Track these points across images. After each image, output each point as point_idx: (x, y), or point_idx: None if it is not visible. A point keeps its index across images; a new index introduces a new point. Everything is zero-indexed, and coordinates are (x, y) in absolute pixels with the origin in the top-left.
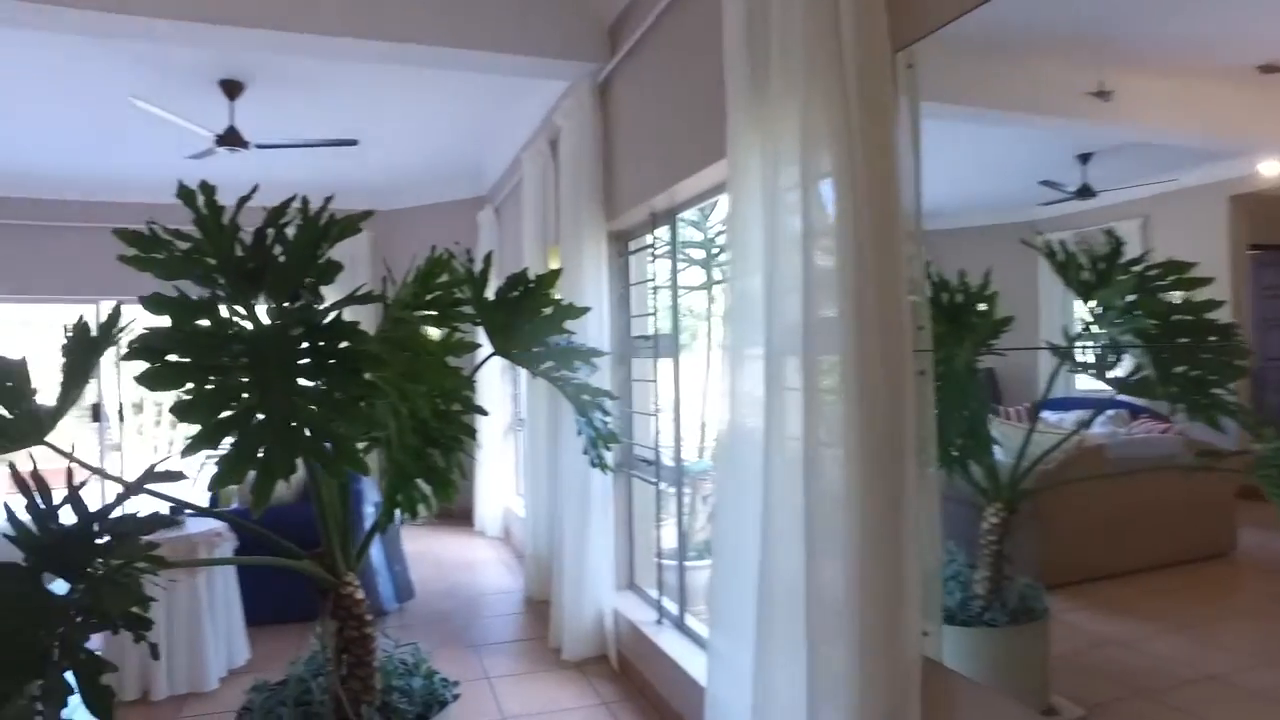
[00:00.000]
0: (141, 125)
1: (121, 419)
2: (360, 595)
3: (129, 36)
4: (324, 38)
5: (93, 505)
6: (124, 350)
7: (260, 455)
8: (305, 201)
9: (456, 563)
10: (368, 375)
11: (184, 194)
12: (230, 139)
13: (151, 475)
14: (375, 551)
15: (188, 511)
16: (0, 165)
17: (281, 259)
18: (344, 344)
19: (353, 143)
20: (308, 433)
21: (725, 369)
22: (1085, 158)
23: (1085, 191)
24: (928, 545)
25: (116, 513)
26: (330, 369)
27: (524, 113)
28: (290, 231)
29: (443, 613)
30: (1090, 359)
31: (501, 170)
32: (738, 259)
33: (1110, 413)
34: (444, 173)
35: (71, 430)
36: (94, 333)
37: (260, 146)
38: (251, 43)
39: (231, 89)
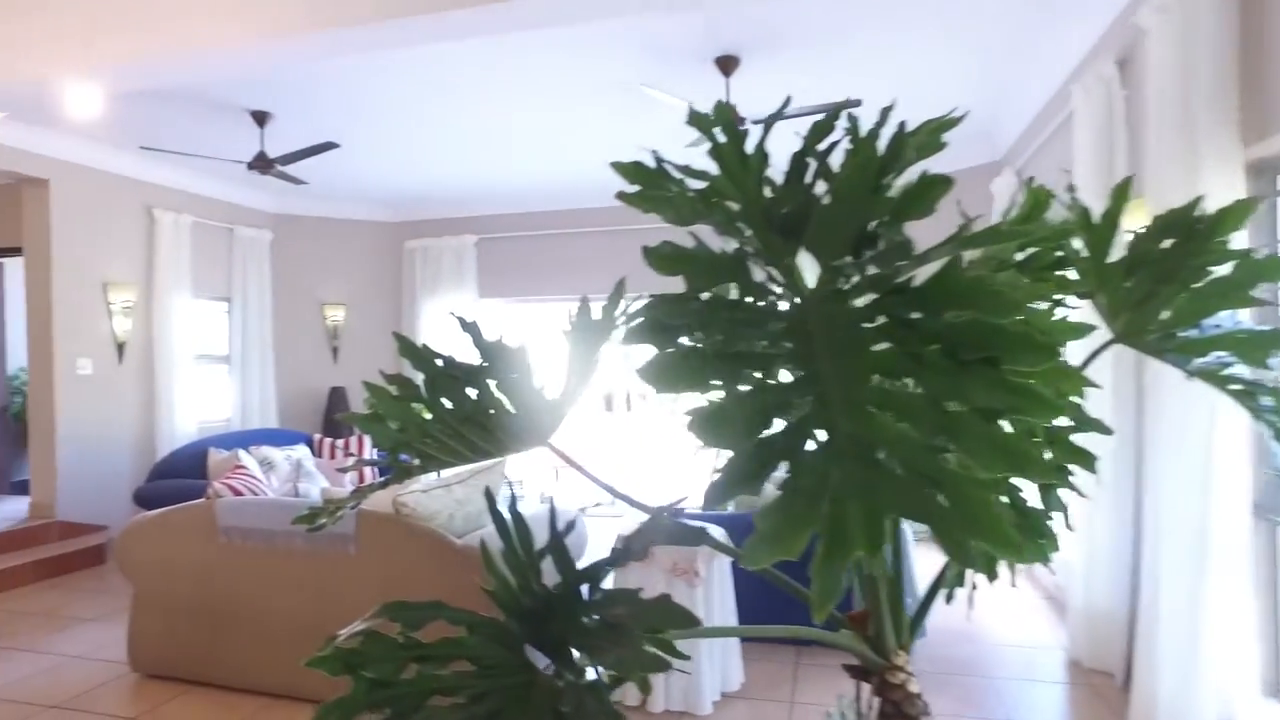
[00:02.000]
0: (639, 118)
1: (629, 408)
2: (916, 688)
3: (634, 12)
4: None
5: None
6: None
7: (825, 507)
8: (853, 119)
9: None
10: (1008, 371)
11: (696, 118)
12: None
13: (659, 530)
14: None
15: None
16: (525, 183)
17: (826, 200)
18: (956, 318)
19: (857, 103)
20: (899, 469)
21: None
22: None
23: None
24: None
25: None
26: (933, 362)
27: (1064, 39)
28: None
29: (961, 663)
30: None
31: (1023, 124)
32: None
33: None
34: (947, 137)
35: (585, 422)
36: (597, 315)
37: (755, 122)
38: None
39: (726, 65)
